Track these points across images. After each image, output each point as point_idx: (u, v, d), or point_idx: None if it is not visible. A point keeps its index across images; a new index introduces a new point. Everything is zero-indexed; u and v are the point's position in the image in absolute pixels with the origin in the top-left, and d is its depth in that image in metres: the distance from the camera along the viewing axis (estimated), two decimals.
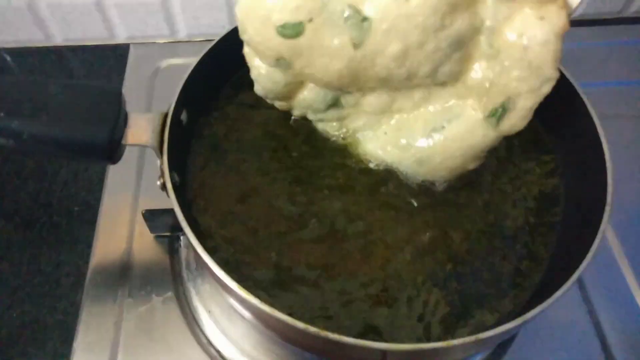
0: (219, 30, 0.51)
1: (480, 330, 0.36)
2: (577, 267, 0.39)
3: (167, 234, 0.58)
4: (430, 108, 0.44)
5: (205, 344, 0.52)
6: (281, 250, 0.44)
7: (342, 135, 0.49)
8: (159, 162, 0.43)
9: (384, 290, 0.43)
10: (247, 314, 0.41)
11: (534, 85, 0.39)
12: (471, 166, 0.45)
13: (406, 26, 0.38)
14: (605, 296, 0.56)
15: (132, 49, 0.77)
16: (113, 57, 0.78)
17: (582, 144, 0.47)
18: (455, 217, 0.46)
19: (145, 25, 0.77)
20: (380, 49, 0.39)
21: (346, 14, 0.38)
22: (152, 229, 0.57)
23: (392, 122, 0.46)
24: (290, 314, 0.35)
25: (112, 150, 0.42)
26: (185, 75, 0.47)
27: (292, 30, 0.39)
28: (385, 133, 0.46)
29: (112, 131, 0.41)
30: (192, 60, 0.48)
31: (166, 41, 0.79)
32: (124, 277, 0.56)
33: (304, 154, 0.49)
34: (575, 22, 0.81)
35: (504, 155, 0.50)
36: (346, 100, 0.45)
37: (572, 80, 0.47)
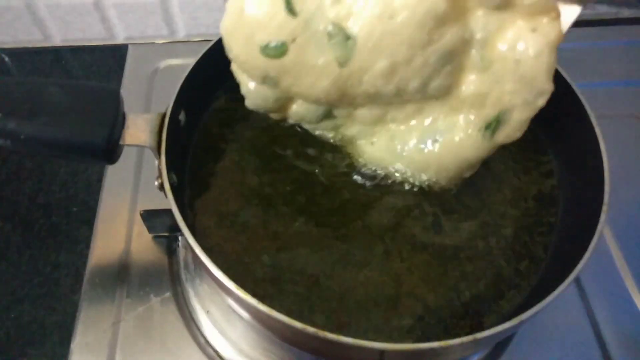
0: (218, 31, 0.50)
1: (478, 330, 0.36)
2: (574, 266, 0.39)
3: (166, 234, 0.58)
4: (424, 120, 0.43)
5: (203, 344, 0.52)
6: (279, 250, 0.44)
7: (338, 140, 0.49)
8: (157, 162, 0.43)
9: (382, 289, 0.43)
10: (245, 314, 0.41)
11: (528, 98, 0.38)
12: (467, 174, 0.45)
13: (392, 43, 0.37)
14: (602, 296, 0.56)
15: (130, 50, 0.77)
16: (112, 57, 0.78)
17: (579, 144, 0.47)
18: (452, 218, 0.46)
19: (144, 26, 0.77)
20: (366, 67, 0.39)
21: (330, 32, 0.38)
22: (150, 229, 0.57)
23: (386, 131, 0.45)
24: (288, 314, 0.35)
25: (110, 151, 0.42)
26: (184, 76, 0.47)
27: (275, 50, 0.39)
28: (380, 141, 0.46)
29: (110, 131, 0.41)
30: (191, 61, 0.48)
31: (165, 41, 0.79)
32: (122, 277, 0.56)
33: (301, 154, 0.49)
34: (573, 23, 0.81)
35: (502, 156, 0.50)
36: (339, 111, 0.45)
37: (569, 80, 0.47)
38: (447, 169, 0.44)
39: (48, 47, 0.79)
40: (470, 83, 0.40)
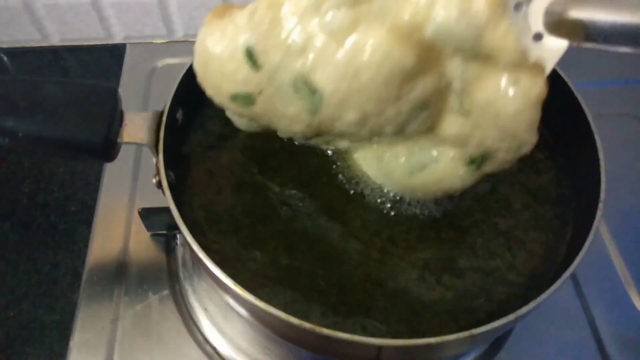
0: None
1: (475, 326, 0.36)
2: (571, 263, 0.39)
3: (164, 232, 0.58)
4: (409, 147, 0.42)
5: (201, 341, 0.52)
6: (277, 247, 0.44)
7: (332, 151, 0.48)
8: (154, 160, 0.43)
9: (381, 285, 0.43)
10: (243, 311, 0.41)
11: (511, 147, 0.38)
12: (455, 194, 0.45)
13: (359, 99, 0.36)
14: (599, 293, 0.56)
15: (128, 49, 0.77)
16: (110, 57, 0.78)
17: (576, 142, 0.48)
18: (447, 215, 0.47)
19: (142, 25, 0.77)
20: (336, 117, 0.38)
21: (295, 85, 0.37)
22: (148, 227, 0.57)
23: (374, 151, 0.44)
24: (285, 310, 0.36)
25: (108, 149, 0.42)
26: (181, 74, 0.47)
27: (243, 100, 0.39)
28: (370, 159, 0.45)
29: (107, 129, 0.41)
30: (189, 60, 0.48)
31: (163, 41, 0.79)
32: (121, 275, 0.56)
33: (299, 152, 0.49)
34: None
35: None
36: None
37: (566, 79, 0.48)
38: (434, 194, 0.44)
39: (46, 46, 0.79)
40: (451, 125, 0.39)
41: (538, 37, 0.39)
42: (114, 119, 0.42)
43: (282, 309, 0.36)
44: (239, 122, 0.44)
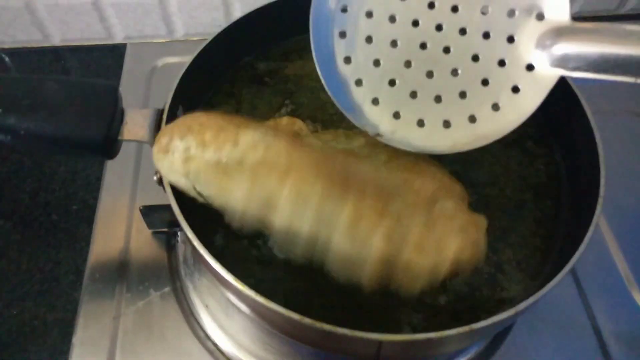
0: (216, 30, 0.51)
1: (475, 321, 0.36)
2: (571, 258, 0.39)
3: (165, 229, 0.58)
4: None
5: (202, 337, 0.52)
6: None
7: None
8: (153, 156, 0.43)
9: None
10: (244, 307, 0.41)
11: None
12: None
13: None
14: (599, 289, 0.56)
15: (129, 48, 0.78)
16: (111, 57, 0.78)
17: (576, 138, 0.48)
18: None
19: (142, 25, 0.77)
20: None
21: None
22: (149, 225, 0.58)
23: None
24: (286, 306, 0.36)
25: (109, 146, 0.43)
26: (182, 72, 0.47)
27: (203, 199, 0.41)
28: None
29: (108, 127, 0.41)
30: (189, 59, 0.49)
31: (163, 41, 0.79)
32: (122, 272, 0.56)
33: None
34: (573, 19, 0.81)
35: (498, 150, 0.50)
36: None
37: None
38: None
39: (47, 46, 0.80)
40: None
41: (530, 67, 0.40)
42: (115, 116, 0.42)
43: (283, 305, 0.36)
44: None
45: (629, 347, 0.53)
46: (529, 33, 0.40)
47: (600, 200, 0.42)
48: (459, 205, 0.40)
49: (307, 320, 0.35)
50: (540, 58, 0.40)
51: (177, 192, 0.41)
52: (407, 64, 0.42)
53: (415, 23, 0.41)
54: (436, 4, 0.41)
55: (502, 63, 0.41)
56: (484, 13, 0.40)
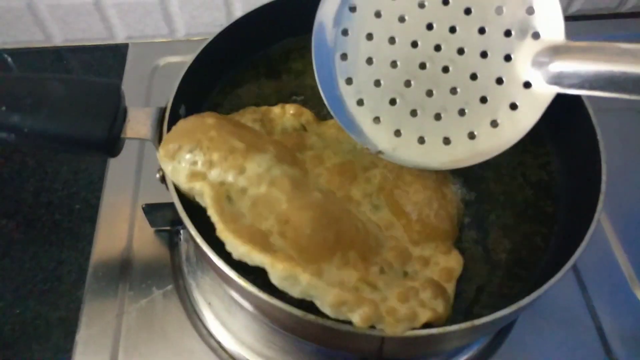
0: (217, 29, 0.51)
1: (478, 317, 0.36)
2: (572, 254, 0.39)
3: (167, 228, 0.59)
4: None
5: (205, 335, 0.52)
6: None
7: None
8: (158, 155, 0.43)
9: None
10: (247, 304, 0.42)
11: None
12: None
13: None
14: (601, 286, 0.56)
15: (131, 47, 0.78)
16: (112, 57, 0.79)
17: (577, 136, 0.48)
18: None
19: (143, 25, 0.78)
20: None
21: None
22: (152, 223, 0.58)
23: None
24: (288, 302, 0.36)
25: (112, 144, 0.43)
26: (184, 71, 0.48)
27: None
28: None
29: (111, 125, 0.42)
30: (190, 58, 0.49)
31: (165, 40, 0.79)
32: (125, 270, 0.57)
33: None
34: (573, 17, 0.82)
35: None
36: None
37: None
38: None
39: (49, 47, 0.80)
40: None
41: (527, 85, 0.41)
42: (118, 114, 0.42)
43: (285, 302, 0.36)
44: None
45: (630, 343, 0.53)
46: (525, 52, 0.41)
47: (601, 197, 0.42)
48: (439, 247, 0.43)
49: (310, 317, 0.35)
50: (537, 76, 0.41)
51: (180, 190, 0.41)
52: (407, 83, 0.43)
53: (415, 44, 0.42)
54: (435, 25, 0.42)
55: (499, 81, 0.42)
56: (481, 33, 0.41)
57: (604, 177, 0.43)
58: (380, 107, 0.43)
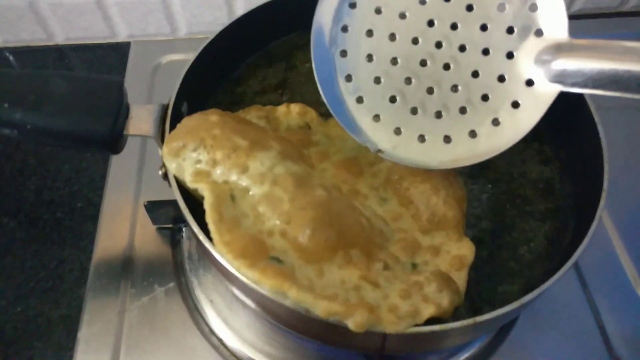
0: (219, 28, 0.51)
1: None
2: (574, 252, 0.39)
3: (169, 225, 0.59)
4: None
5: (207, 332, 0.52)
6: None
7: None
8: (160, 152, 0.43)
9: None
10: (249, 301, 0.42)
11: None
12: None
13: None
14: (603, 284, 0.56)
15: (133, 45, 0.78)
16: (114, 55, 0.79)
17: (579, 134, 0.48)
18: None
19: (145, 24, 0.78)
20: None
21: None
22: (154, 220, 0.58)
23: None
24: None
25: (114, 141, 0.43)
26: (186, 68, 0.48)
27: None
28: None
29: (113, 122, 0.42)
30: (192, 56, 0.49)
31: (167, 39, 0.79)
32: (127, 268, 0.57)
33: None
34: (575, 16, 0.82)
35: None
36: None
37: None
38: None
39: (51, 45, 0.80)
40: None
41: (530, 83, 0.41)
42: (120, 111, 0.42)
43: None
44: None
45: (632, 341, 0.53)
46: (528, 49, 0.40)
47: (603, 195, 0.42)
48: (450, 235, 0.42)
49: (311, 314, 0.35)
50: (540, 74, 0.40)
51: (183, 187, 0.41)
52: (408, 80, 0.43)
53: (415, 41, 0.42)
54: (436, 22, 0.41)
55: (501, 79, 0.41)
56: (483, 30, 0.41)
57: (606, 175, 0.43)
58: (380, 105, 0.43)
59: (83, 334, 0.53)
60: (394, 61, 0.42)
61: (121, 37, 0.80)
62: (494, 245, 0.45)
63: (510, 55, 0.41)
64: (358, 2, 0.42)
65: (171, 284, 0.55)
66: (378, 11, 0.42)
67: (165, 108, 0.45)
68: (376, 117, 0.43)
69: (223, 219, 0.38)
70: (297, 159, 0.43)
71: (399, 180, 0.45)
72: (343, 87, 0.43)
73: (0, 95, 0.40)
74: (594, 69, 0.38)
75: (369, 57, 0.43)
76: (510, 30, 0.41)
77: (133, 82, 0.72)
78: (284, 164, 0.41)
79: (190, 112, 0.48)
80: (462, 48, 0.41)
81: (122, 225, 0.59)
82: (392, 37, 0.42)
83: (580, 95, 0.47)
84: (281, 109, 0.49)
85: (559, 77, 0.40)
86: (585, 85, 0.39)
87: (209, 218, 0.38)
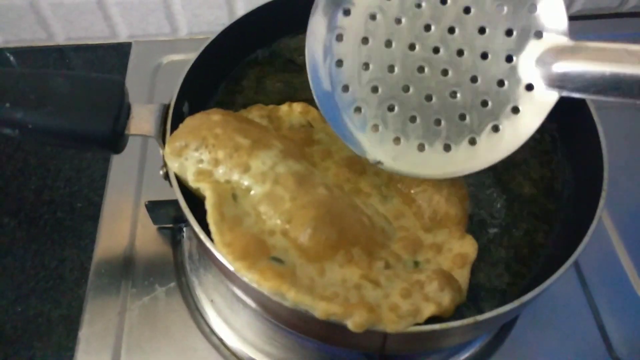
0: (220, 28, 0.51)
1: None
2: (574, 250, 0.39)
3: (170, 225, 0.59)
4: None
5: (208, 332, 0.53)
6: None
7: None
8: (161, 152, 0.43)
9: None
10: (249, 300, 0.42)
11: None
12: None
13: None
14: (603, 283, 0.56)
15: (133, 45, 0.78)
16: (115, 55, 0.79)
17: (579, 133, 0.48)
18: None
19: (146, 24, 0.78)
20: None
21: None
22: (154, 220, 0.58)
23: None
24: None
25: (115, 140, 0.43)
26: (187, 68, 0.48)
27: None
28: None
29: (114, 121, 0.42)
30: (193, 56, 0.49)
31: (167, 39, 0.79)
32: (128, 268, 0.57)
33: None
34: (575, 17, 0.82)
35: None
36: None
37: None
38: None
39: (52, 45, 0.80)
40: None
41: (529, 87, 0.40)
42: (121, 111, 0.43)
43: None
44: None
45: (632, 340, 0.53)
46: (527, 52, 0.40)
47: (603, 194, 0.42)
48: (452, 232, 0.43)
49: (312, 314, 0.35)
50: (540, 78, 0.40)
51: (184, 187, 0.41)
52: (406, 88, 0.42)
53: (412, 47, 0.41)
54: (432, 26, 0.41)
55: (501, 83, 0.41)
56: (481, 33, 0.40)
57: (605, 174, 0.43)
58: (379, 114, 0.42)
59: (83, 333, 0.53)
60: (391, 69, 0.42)
61: (122, 37, 0.80)
62: (493, 243, 0.45)
63: (509, 59, 0.40)
64: (352, 8, 0.41)
65: (172, 284, 0.55)
66: (373, 17, 0.41)
67: (166, 108, 0.45)
68: (375, 127, 0.43)
69: (224, 219, 0.38)
70: (299, 157, 0.43)
71: (401, 179, 0.45)
72: (340, 98, 0.42)
73: (1, 95, 0.40)
74: (596, 72, 0.37)
75: (366, 66, 0.42)
76: (509, 33, 0.40)
77: (134, 82, 0.72)
78: (285, 163, 0.41)
79: (192, 111, 0.49)
80: (460, 52, 0.41)
81: (122, 225, 0.59)
82: (388, 43, 0.41)
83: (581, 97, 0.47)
84: (283, 107, 0.49)
85: (560, 82, 0.39)
86: (586, 90, 0.38)
87: (210, 218, 0.38)
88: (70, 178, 0.66)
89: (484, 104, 0.41)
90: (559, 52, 0.39)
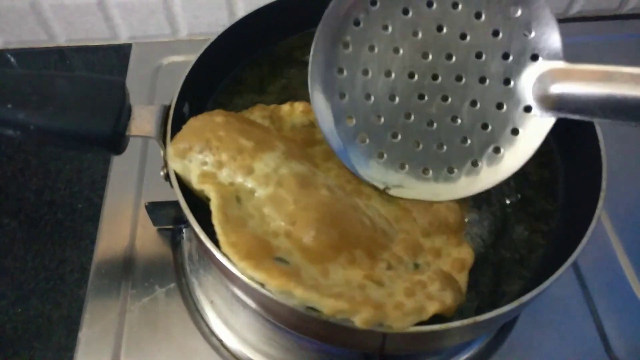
0: (220, 29, 0.52)
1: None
2: (573, 251, 0.39)
3: (170, 226, 0.59)
4: None
5: (207, 333, 0.53)
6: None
7: None
8: (162, 153, 0.44)
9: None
10: (250, 301, 0.42)
11: None
12: None
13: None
14: (602, 284, 0.57)
15: (134, 47, 0.78)
16: (115, 57, 0.79)
17: (578, 134, 0.48)
18: None
19: (146, 25, 0.78)
20: None
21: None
22: (155, 221, 0.58)
23: None
24: None
25: (116, 141, 0.43)
26: (188, 69, 0.48)
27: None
28: None
29: (115, 122, 0.42)
30: (193, 58, 0.49)
31: (168, 40, 0.80)
32: (128, 269, 0.57)
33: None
34: (574, 18, 0.82)
35: None
36: None
37: None
38: None
39: (52, 47, 0.80)
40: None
41: (527, 109, 0.41)
42: (122, 112, 0.43)
43: None
44: None
45: (630, 339, 0.53)
46: (525, 75, 0.40)
47: (602, 195, 0.42)
48: (450, 239, 0.43)
49: (312, 314, 0.36)
50: (538, 100, 0.40)
51: (184, 188, 0.41)
52: (407, 115, 0.43)
53: (412, 75, 0.42)
54: (430, 54, 0.41)
55: (500, 106, 0.42)
56: (478, 58, 0.41)
57: (604, 175, 0.43)
58: (383, 142, 0.43)
59: (83, 334, 0.53)
60: (392, 97, 0.42)
61: (122, 38, 0.80)
62: (492, 244, 0.46)
63: (507, 82, 0.41)
64: (351, 41, 0.42)
65: (172, 285, 0.56)
66: (371, 49, 0.42)
67: (167, 109, 0.45)
68: (380, 155, 0.44)
69: (229, 220, 0.38)
70: (302, 158, 0.43)
71: None
72: (345, 128, 0.43)
73: (3, 96, 0.40)
74: (591, 94, 0.38)
75: (367, 96, 0.43)
76: (505, 57, 0.41)
77: (134, 84, 0.72)
78: (288, 165, 0.41)
79: (192, 113, 0.49)
80: (458, 78, 0.42)
81: (122, 226, 0.59)
82: (388, 73, 0.42)
83: None
84: (285, 107, 0.49)
85: (557, 103, 0.40)
86: (583, 112, 0.39)
87: (215, 219, 0.38)
88: (71, 179, 0.66)
89: (484, 126, 0.42)
90: (555, 75, 0.39)
